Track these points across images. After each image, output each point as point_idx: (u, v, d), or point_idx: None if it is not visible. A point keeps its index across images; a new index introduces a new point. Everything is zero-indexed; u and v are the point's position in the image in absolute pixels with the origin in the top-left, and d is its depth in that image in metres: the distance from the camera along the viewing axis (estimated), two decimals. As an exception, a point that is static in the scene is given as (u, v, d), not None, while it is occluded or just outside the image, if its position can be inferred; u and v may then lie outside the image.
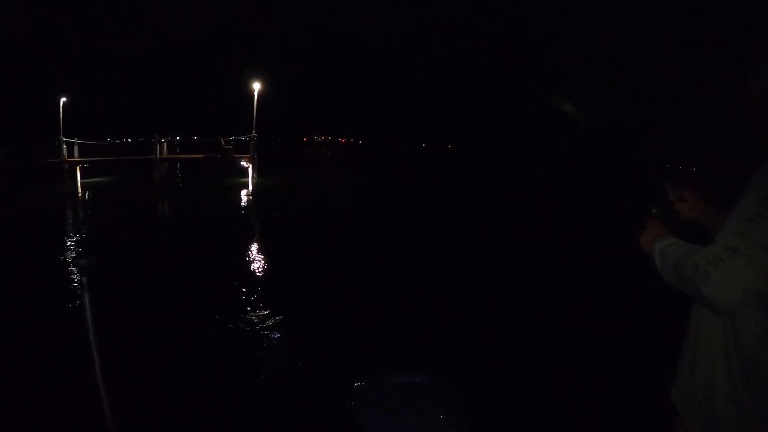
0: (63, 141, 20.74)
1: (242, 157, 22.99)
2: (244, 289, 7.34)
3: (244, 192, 19.92)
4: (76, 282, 7.09)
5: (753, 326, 1.36)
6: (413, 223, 13.81)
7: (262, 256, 9.79)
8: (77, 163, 21.17)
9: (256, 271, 8.69)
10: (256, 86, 23.37)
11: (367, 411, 2.66)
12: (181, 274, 8.14)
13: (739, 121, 1.61)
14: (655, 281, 1.56)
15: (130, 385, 3.97)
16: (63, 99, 21.89)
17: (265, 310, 6.46)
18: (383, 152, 77.33)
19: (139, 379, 4.34)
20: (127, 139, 25.26)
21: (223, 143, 23.30)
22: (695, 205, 1.72)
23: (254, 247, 10.64)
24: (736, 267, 1.22)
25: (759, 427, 1.38)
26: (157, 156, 21.87)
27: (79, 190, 19.18)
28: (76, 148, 21.54)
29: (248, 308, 6.57)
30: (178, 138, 25.80)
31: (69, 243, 10.61)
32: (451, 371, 3.55)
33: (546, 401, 4.22)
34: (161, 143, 22.34)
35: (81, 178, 20.68)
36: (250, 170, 22.09)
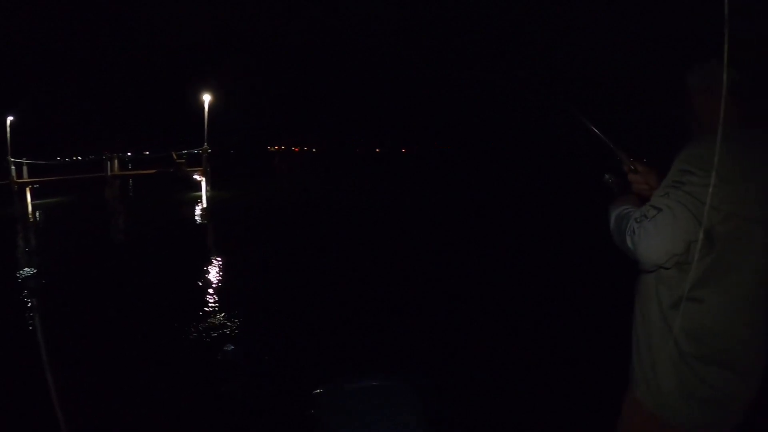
0: (11, 161, 20.39)
1: (195, 171, 23.02)
2: (197, 302, 7.37)
3: (198, 206, 20.08)
4: (28, 303, 7.11)
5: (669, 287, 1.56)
6: (369, 229, 14.15)
7: (216, 268, 9.92)
8: (27, 184, 20.76)
9: (211, 282, 8.74)
10: (207, 98, 23.33)
11: (328, 418, 2.69)
12: (136, 290, 8.09)
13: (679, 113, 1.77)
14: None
15: (86, 403, 3.88)
16: (10, 118, 21.54)
17: (222, 322, 6.52)
18: (338, 159, 77.18)
19: (95, 398, 4.25)
20: (77, 157, 24.82)
21: (176, 157, 23.28)
22: (646, 177, 1.78)
23: (208, 260, 10.70)
24: (658, 221, 1.39)
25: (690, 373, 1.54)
26: (109, 173, 21.81)
27: (30, 212, 18.90)
28: (25, 169, 21.23)
29: (203, 322, 6.56)
30: (129, 154, 25.44)
31: (22, 265, 10.48)
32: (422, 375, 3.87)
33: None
34: (112, 160, 22.22)
35: (32, 200, 20.28)
36: (203, 183, 22.18)
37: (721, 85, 1.48)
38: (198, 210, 19.28)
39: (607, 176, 1.88)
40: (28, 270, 9.98)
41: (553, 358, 5.06)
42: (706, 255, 1.45)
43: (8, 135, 20.99)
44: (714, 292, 1.50)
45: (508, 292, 7.49)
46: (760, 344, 1.55)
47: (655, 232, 1.39)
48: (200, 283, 8.56)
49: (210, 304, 7.36)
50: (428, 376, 4.33)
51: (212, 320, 6.66)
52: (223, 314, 6.90)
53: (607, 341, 5.21)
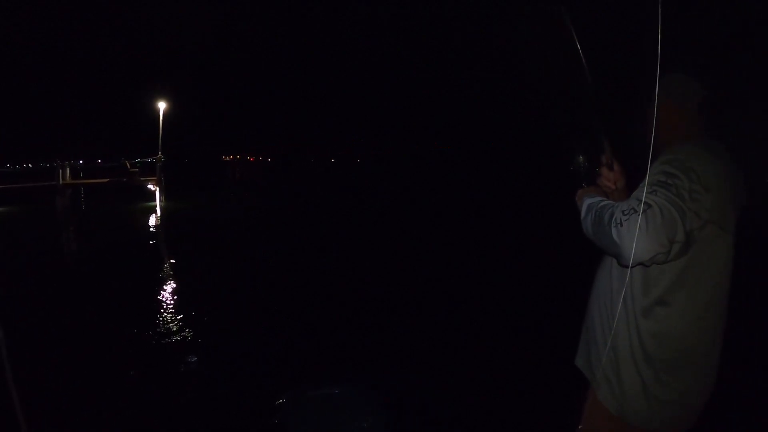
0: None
1: (149, 180, 22.93)
2: (152, 314, 7.27)
3: (152, 217, 19.92)
4: None
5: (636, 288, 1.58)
6: (326, 236, 14.36)
7: (175, 278, 9.88)
8: (-29, 192, 20.30)
9: (166, 295, 8.58)
10: (161, 105, 23.05)
11: (292, 426, 2.76)
12: (87, 304, 7.87)
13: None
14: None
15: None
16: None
17: (180, 333, 6.46)
18: (293, 169, 76.55)
19: (53, 411, 4.23)
20: (27, 165, 24.14)
21: (129, 166, 23.15)
22: (617, 177, 1.80)
23: (161, 272, 10.58)
24: (648, 216, 1.34)
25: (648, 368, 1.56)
26: (60, 182, 21.44)
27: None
28: (-29, 177, 20.63)
29: (160, 332, 6.50)
30: (81, 162, 24.84)
31: None
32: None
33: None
34: (64, 168, 21.88)
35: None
36: (157, 193, 22.07)
37: (691, 100, 1.65)
38: (152, 221, 19.13)
39: (581, 159, 1.86)
40: None
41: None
42: (680, 259, 1.47)
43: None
44: (682, 296, 1.52)
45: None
46: (718, 348, 1.61)
47: (645, 228, 1.34)
48: (155, 296, 8.40)
49: (166, 316, 7.22)
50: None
51: (169, 331, 6.60)
52: (180, 324, 6.85)
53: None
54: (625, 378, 1.60)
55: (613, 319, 1.62)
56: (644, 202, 1.36)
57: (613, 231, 1.40)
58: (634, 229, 1.34)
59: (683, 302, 1.53)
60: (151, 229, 17.62)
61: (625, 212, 1.39)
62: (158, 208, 21.16)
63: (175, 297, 8.47)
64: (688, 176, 1.43)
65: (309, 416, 2.86)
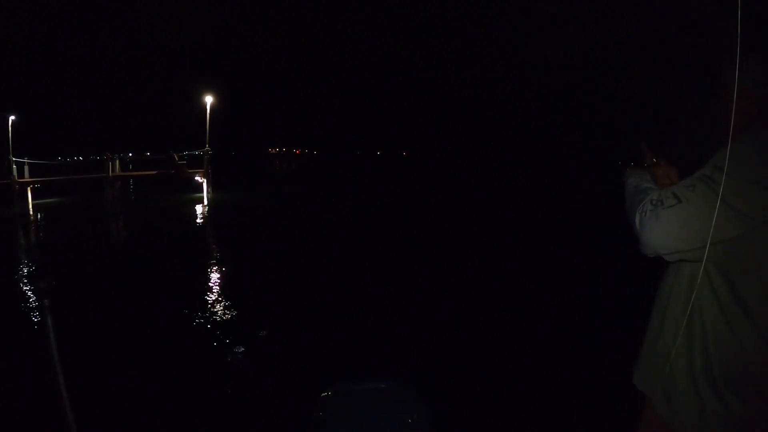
0: (12, 161, 20.47)
1: (196, 172, 23.03)
2: (200, 303, 7.40)
3: (199, 207, 20.07)
4: (35, 305, 7.17)
5: (708, 294, 1.42)
6: (369, 230, 14.24)
7: (219, 270, 9.93)
8: (28, 183, 20.89)
9: (214, 284, 8.77)
10: (209, 100, 23.33)
11: (334, 421, 2.67)
12: (139, 291, 8.07)
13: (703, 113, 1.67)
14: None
15: (98, 404, 4.05)
16: (11, 117, 21.48)
17: (226, 323, 6.57)
18: (338, 162, 77.34)
19: (106, 398, 4.34)
20: (78, 158, 24.82)
21: (177, 159, 23.29)
22: (668, 171, 1.72)
23: (212, 261, 10.76)
24: (673, 212, 1.31)
25: (710, 399, 1.43)
26: (110, 174, 21.78)
27: (32, 212, 18.85)
28: (26, 168, 21.31)
29: (208, 323, 6.60)
30: (130, 155, 25.45)
31: (25, 266, 10.46)
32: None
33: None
34: (113, 161, 22.22)
35: (33, 200, 20.39)
36: (204, 185, 22.22)
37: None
38: (199, 211, 19.28)
39: (643, 145, 1.78)
40: (29, 270, 9.97)
41: (553, 358, 5.06)
42: (744, 261, 1.34)
43: (10, 134, 20.94)
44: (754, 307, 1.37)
45: (508, 292, 7.47)
46: None
47: (667, 222, 1.32)
48: (203, 285, 8.55)
49: (213, 306, 7.36)
50: (431, 378, 4.33)
51: (217, 322, 6.68)
52: (227, 315, 6.94)
53: (606, 341, 5.24)
54: (684, 393, 1.48)
55: (675, 322, 1.52)
56: (675, 196, 1.33)
57: (637, 216, 1.41)
58: (657, 221, 1.33)
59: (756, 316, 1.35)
60: (197, 219, 17.79)
61: (654, 201, 1.38)
62: (205, 199, 21.30)
63: (219, 286, 8.59)
64: (740, 170, 1.26)
65: (353, 410, 2.71)
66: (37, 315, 6.65)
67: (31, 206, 19.72)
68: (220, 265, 10.35)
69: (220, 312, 7.07)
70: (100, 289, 8.35)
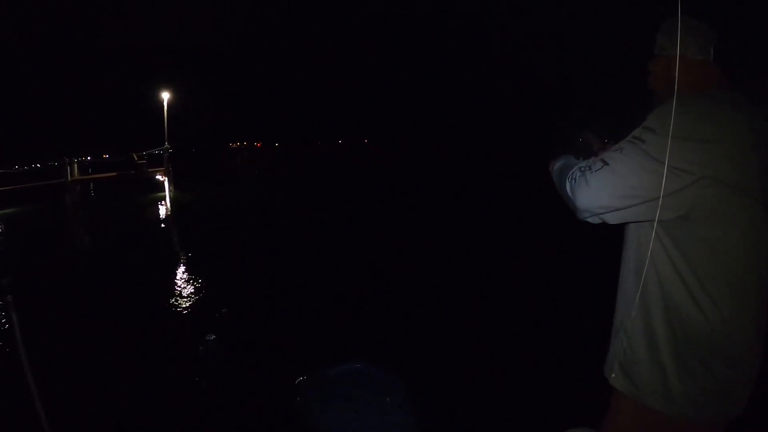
0: (-35, 174, 19.81)
1: (157, 171, 22.91)
2: (170, 302, 7.47)
3: (162, 207, 19.99)
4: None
5: (665, 262, 1.41)
6: (356, 226, 14.30)
7: (186, 268, 10.00)
8: (-17, 195, 20.26)
9: (182, 282, 8.80)
10: (165, 96, 23.02)
11: (313, 404, 2.71)
12: (108, 294, 8.10)
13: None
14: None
15: (69, 404, 4.05)
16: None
17: (198, 318, 6.67)
18: (300, 154, 76.66)
19: (76, 399, 4.34)
20: (35, 164, 24.18)
21: (136, 159, 23.09)
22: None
23: (175, 260, 10.81)
24: (600, 174, 1.34)
25: (671, 362, 1.41)
26: (69, 179, 21.44)
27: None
28: (-21, 180, 20.68)
29: (179, 319, 6.72)
30: (89, 158, 24.90)
31: None
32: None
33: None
34: (72, 165, 21.82)
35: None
36: (166, 184, 22.08)
37: (700, 49, 1.47)
38: (162, 211, 19.19)
39: (587, 134, 1.76)
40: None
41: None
42: (680, 223, 1.36)
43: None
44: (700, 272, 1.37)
45: (507, 292, 7.43)
46: (760, 336, 1.43)
47: (596, 185, 1.35)
48: (171, 284, 8.59)
49: (182, 304, 7.40)
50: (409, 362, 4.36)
51: (188, 317, 6.78)
52: (197, 311, 7.02)
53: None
54: (670, 371, 1.43)
55: (629, 297, 1.53)
56: (602, 160, 1.36)
57: (567, 185, 1.44)
58: (585, 185, 1.36)
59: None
60: (160, 220, 17.67)
61: (582, 168, 1.41)
62: (167, 199, 21.19)
63: (187, 287, 8.51)
64: (666, 127, 1.27)
65: (330, 393, 2.80)
66: (8, 320, 6.40)
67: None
68: (188, 264, 10.33)
69: (192, 309, 7.13)
70: (72, 293, 8.29)
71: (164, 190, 21.86)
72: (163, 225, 16.92)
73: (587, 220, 1.45)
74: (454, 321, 6.36)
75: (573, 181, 1.43)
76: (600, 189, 1.35)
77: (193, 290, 8.20)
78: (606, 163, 1.35)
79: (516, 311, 6.59)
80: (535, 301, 6.91)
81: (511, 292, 7.40)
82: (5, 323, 6.36)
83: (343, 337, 5.78)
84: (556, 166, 1.71)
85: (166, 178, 22.15)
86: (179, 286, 8.49)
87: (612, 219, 1.40)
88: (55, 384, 2.98)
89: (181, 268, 10.04)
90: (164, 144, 22.71)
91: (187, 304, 7.42)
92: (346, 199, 20.59)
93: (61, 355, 5.32)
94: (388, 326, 6.17)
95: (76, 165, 22.23)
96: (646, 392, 1.46)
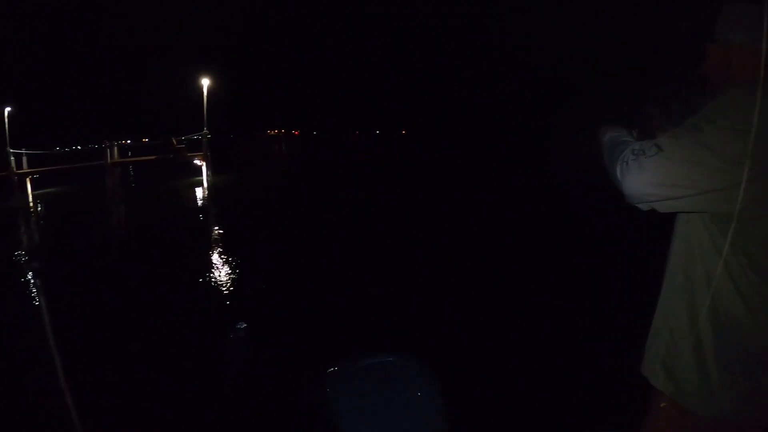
0: (10, 153, 20.37)
1: (195, 156, 23.02)
2: (204, 288, 7.40)
3: (199, 190, 19.96)
4: (31, 294, 7.14)
5: (716, 260, 1.38)
6: (374, 216, 13.87)
7: (222, 253, 9.87)
8: (27, 174, 20.82)
9: (218, 268, 8.70)
10: (205, 82, 23.16)
11: (341, 396, 2.63)
12: (142, 277, 8.07)
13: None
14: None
15: (95, 391, 3.89)
16: (7, 109, 21.34)
17: (230, 306, 6.57)
18: (337, 142, 77.04)
19: (104, 384, 4.25)
20: (76, 147, 24.70)
21: (175, 143, 23.32)
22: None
23: (212, 244, 10.72)
24: (654, 161, 1.29)
25: (716, 365, 1.38)
26: (109, 161, 21.74)
27: (31, 202, 18.81)
28: (24, 159, 21.25)
29: (212, 307, 6.60)
30: (129, 141, 25.38)
31: (23, 256, 10.37)
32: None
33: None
34: (111, 148, 22.16)
35: (32, 190, 20.29)
36: (203, 168, 22.15)
37: (759, 41, 1.33)
38: (200, 195, 19.18)
39: (651, 108, 1.74)
40: (30, 261, 9.82)
41: (553, 358, 4.98)
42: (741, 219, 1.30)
43: (6, 126, 20.80)
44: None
45: (510, 291, 7.21)
46: None
47: (650, 171, 1.29)
48: (207, 269, 8.50)
49: (217, 290, 7.30)
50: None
51: (220, 304, 6.66)
52: (230, 299, 6.92)
53: (608, 340, 4.89)
54: (713, 374, 1.38)
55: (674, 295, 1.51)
56: (657, 145, 1.30)
57: (618, 167, 1.38)
58: (638, 170, 1.30)
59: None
60: (198, 203, 17.71)
61: (635, 151, 1.34)
62: (205, 183, 21.21)
63: (223, 269, 8.53)
64: (727, 118, 1.25)
65: (359, 385, 2.68)
66: (41, 302, 6.13)
67: (30, 197, 19.63)
68: (223, 249, 10.21)
69: (225, 296, 7.04)
70: (104, 277, 8.27)
71: (202, 175, 21.89)
72: (199, 209, 16.83)
73: (637, 206, 1.40)
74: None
75: (624, 164, 1.36)
76: (653, 176, 1.30)
77: (224, 275, 8.10)
78: (661, 149, 1.29)
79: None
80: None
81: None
82: (36, 306, 6.36)
83: (373, 329, 5.64)
84: (606, 137, 1.63)
85: (204, 163, 22.16)
86: (212, 272, 8.38)
87: (662, 208, 1.36)
88: (81, 369, 2.81)
89: (216, 253, 9.92)
90: (203, 129, 22.80)
91: (218, 290, 7.34)
92: (379, 190, 20.31)
93: (84, 340, 5.18)
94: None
95: (116, 148, 22.56)
96: (686, 393, 1.44)
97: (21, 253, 10.75)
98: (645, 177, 1.30)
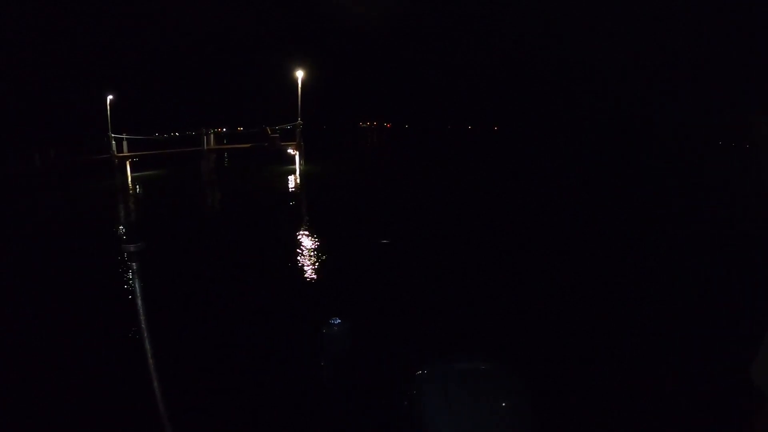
0: (112, 137, 20.95)
1: (289, 145, 23.01)
2: (295, 275, 7.30)
3: (291, 178, 19.57)
4: (128, 268, 7.14)
5: None
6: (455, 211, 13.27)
7: (313, 240, 9.71)
8: (127, 158, 21.36)
9: (308, 254, 8.52)
10: (300, 74, 23.09)
11: (430, 399, 2.63)
12: (234, 259, 8.17)
13: None
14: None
15: (182, 372, 4.09)
16: (110, 96, 22.04)
17: (320, 294, 6.46)
18: (430, 136, 76.95)
19: (192, 366, 4.44)
20: (174, 133, 25.47)
21: (270, 132, 23.37)
22: None
23: (303, 231, 10.55)
24: None
25: None
26: (205, 147, 21.99)
27: (130, 184, 19.08)
28: (125, 144, 21.76)
29: (303, 294, 6.52)
30: (224, 129, 25.98)
31: (122, 233, 10.68)
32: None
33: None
34: (208, 135, 22.44)
35: (131, 172, 20.78)
36: (297, 157, 21.92)
37: None
38: (292, 182, 18.79)
39: None
40: (131, 238, 9.68)
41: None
42: None
43: (109, 112, 21.49)
44: None
45: (512, 292, 6.98)
46: None
47: None
48: (299, 255, 8.36)
49: (308, 277, 7.22)
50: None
51: (311, 292, 6.63)
52: (321, 287, 6.86)
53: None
54: None
55: None
56: None
57: None
58: None
59: None
60: (289, 189, 17.55)
61: None
62: (297, 171, 20.83)
63: (313, 256, 8.37)
64: None
65: (447, 389, 2.63)
66: (142, 281, 6.43)
67: (130, 178, 20.02)
68: (313, 236, 10.02)
69: (316, 284, 6.97)
70: (200, 258, 8.42)
71: (295, 163, 21.57)
72: (291, 195, 16.43)
73: None
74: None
75: None
76: None
77: (317, 267, 7.83)
78: None
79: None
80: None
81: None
82: (132, 290, 6.49)
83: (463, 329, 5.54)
84: None
85: (297, 153, 21.93)
86: (302, 261, 8.06)
87: None
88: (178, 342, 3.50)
89: (307, 240, 9.68)
90: (297, 119, 22.81)
91: (308, 278, 7.24)
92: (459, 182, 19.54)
93: (184, 314, 5.58)
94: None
95: (212, 135, 22.89)
96: None
97: (119, 231, 11.03)
98: None
